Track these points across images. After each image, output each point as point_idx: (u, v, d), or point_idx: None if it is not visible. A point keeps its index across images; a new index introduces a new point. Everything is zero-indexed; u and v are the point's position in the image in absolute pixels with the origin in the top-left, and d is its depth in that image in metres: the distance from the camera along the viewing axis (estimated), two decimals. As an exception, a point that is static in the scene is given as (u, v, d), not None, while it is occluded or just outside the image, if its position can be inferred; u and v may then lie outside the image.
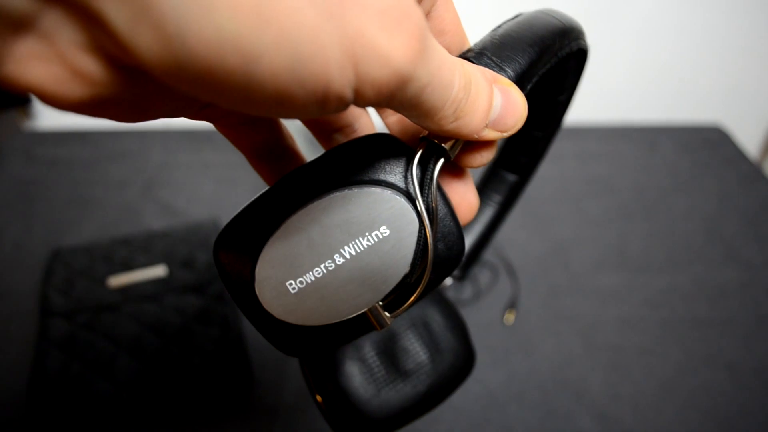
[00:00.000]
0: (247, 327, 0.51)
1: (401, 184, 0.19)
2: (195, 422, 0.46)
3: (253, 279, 0.18)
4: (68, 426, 0.44)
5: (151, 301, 0.52)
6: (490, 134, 0.18)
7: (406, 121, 0.22)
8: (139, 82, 0.14)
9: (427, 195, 0.19)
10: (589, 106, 0.85)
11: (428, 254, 0.19)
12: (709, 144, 0.81)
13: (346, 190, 0.18)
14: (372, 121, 0.24)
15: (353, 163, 0.19)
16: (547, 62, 0.20)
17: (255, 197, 0.19)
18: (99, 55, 0.13)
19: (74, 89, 0.13)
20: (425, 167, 0.19)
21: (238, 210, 0.19)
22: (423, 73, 0.14)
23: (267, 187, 0.20)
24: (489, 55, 0.19)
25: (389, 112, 0.23)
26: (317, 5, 0.12)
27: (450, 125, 0.17)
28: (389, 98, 0.14)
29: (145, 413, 0.46)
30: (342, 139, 0.23)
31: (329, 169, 0.19)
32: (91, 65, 0.13)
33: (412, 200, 0.19)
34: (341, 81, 0.13)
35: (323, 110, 0.14)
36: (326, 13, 0.12)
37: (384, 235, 0.18)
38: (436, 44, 0.15)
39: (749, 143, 0.94)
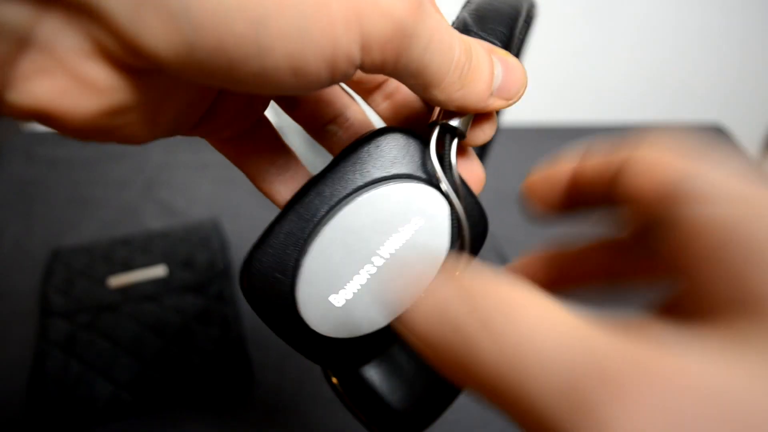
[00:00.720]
0: (247, 327, 0.51)
1: (421, 172, 0.19)
2: (195, 422, 0.46)
3: (294, 302, 0.18)
4: (68, 426, 0.44)
5: (151, 301, 0.52)
6: (496, 102, 0.18)
7: (398, 109, 0.22)
8: (146, 84, 0.14)
9: (450, 177, 0.19)
10: (589, 106, 0.86)
11: (464, 233, 0.19)
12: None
13: (372, 190, 0.18)
14: (362, 109, 0.24)
15: (368, 162, 0.19)
16: (524, 29, 0.21)
17: (275, 217, 0.18)
18: (104, 59, 0.12)
19: (83, 102, 0.13)
20: (441, 151, 0.19)
21: (260, 234, 0.18)
22: (423, 30, 0.15)
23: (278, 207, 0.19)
24: (475, 30, 0.19)
25: (380, 99, 0.22)
26: None
27: (457, 93, 0.17)
28: (396, 59, 0.15)
29: (145, 413, 0.46)
30: (336, 130, 0.23)
31: (346, 173, 0.18)
32: (96, 72, 0.12)
33: (435, 186, 0.19)
34: (348, 38, 0.13)
35: (334, 74, 0.14)
36: None
37: (418, 225, 0.18)
38: (431, 5, 0.15)
39: (749, 143, 0.94)
